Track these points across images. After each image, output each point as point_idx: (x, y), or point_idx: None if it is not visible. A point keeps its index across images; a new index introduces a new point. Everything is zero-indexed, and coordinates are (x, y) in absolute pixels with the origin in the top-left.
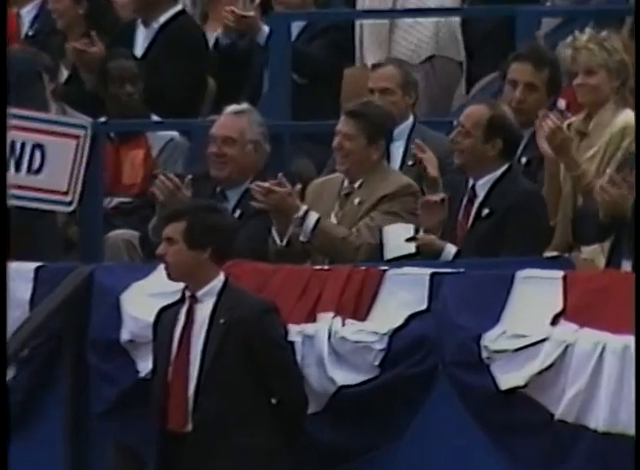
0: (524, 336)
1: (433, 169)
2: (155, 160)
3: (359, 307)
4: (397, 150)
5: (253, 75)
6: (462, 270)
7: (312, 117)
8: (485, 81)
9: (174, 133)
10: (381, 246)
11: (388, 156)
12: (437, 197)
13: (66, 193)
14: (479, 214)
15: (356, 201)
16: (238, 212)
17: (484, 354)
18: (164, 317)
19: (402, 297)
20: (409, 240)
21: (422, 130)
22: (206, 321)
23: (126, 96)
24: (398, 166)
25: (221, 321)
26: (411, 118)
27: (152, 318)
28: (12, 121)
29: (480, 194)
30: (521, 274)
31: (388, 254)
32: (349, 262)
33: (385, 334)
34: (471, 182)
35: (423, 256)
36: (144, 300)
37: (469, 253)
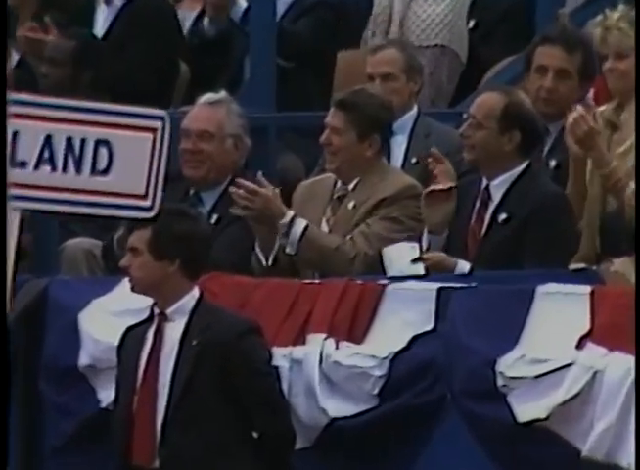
0: (545, 361)
1: (446, 184)
2: None
3: (355, 328)
4: (399, 146)
5: (233, 60)
6: (474, 285)
7: (301, 107)
8: (501, 66)
9: None
10: (382, 269)
11: (388, 153)
12: (444, 185)
13: (143, 196)
14: (494, 220)
15: (351, 205)
16: (215, 218)
17: (500, 382)
18: (130, 339)
19: (405, 315)
20: (415, 261)
21: (427, 123)
22: (177, 343)
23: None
24: (400, 164)
25: (194, 343)
26: (415, 109)
27: (115, 340)
28: (61, 114)
29: (496, 196)
30: (542, 289)
31: (390, 273)
32: (343, 275)
33: (384, 358)
34: (484, 183)
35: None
36: (106, 319)
37: (482, 264)
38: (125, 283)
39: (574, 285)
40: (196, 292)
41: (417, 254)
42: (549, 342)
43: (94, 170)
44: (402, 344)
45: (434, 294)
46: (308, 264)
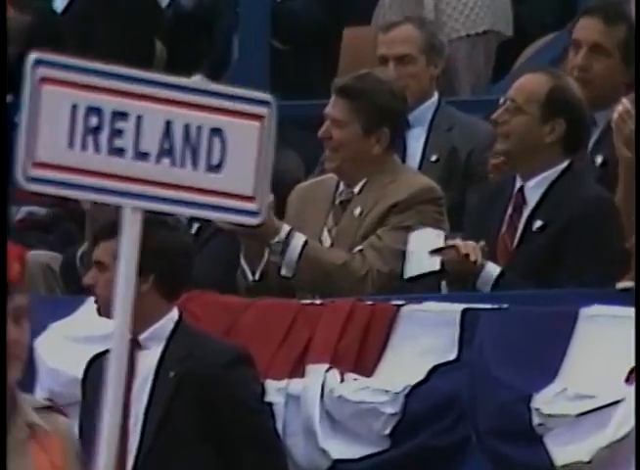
0: (590, 397)
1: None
2: None
3: (364, 357)
4: (416, 140)
5: (218, 39)
6: (505, 306)
7: (299, 95)
8: (542, 43)
9: None
10: (403, 259)
11: (403, 149)
12: (471, 248)
13: (251, 198)
14: (528, 228)
15: (356, 211)
16: (195, 227)
17: (536, 420)
18: (96, 370)
19: (423, 342)
20: (435, 252)
21: (450, 113)
22: (152, 374)
23: None
24: (417, 163)
25: (172, 374)
26: (435, 97)
27: (78, 371)
28: (180, 95)
29: (532, 200)
30: (586, 312)
31: (409, 270)
32: (350, 295)
33: (398, 393)
34: (518, 183)
35: (452, 277)
36: (67, 346)
37: (514, 273)
38: (90, 304)
39: (624, 307)
40: (174, 314)
41: (440, 243)
42: (594, 374)
43: (209, 165)
44: (420, 376)
45: (458, 317)
46: (309, 287)
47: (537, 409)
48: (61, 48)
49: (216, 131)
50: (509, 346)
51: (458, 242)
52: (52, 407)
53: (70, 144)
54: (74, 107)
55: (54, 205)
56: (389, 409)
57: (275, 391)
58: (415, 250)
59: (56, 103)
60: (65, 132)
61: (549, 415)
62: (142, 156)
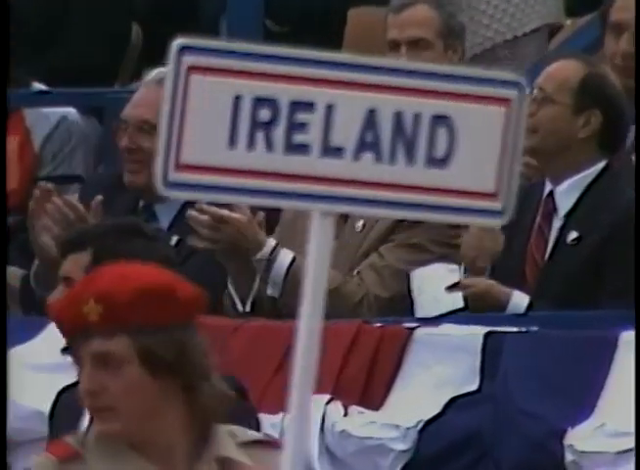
0: (631, 433)
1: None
2: (36, 152)
3: (371, 387)
4: None
5: (203, 20)
6: (534, 329)
7: None
8: (578, 27)
9: (69, 110)
10: (410, 301)
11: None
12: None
13: (493, 195)
14: (561, 239)
15: (358, 224)
16: (174, 240)
17: (570, 457)
18: (65, 404)
19: (440, 370)
20: (452, 288)
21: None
22: None
23: None
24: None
25: None
26: None
27: (44, 405)
28: (383, 78)
29: (564, 207)
30: (628, 336)
31: (421, 313)
32: (352, 317)
33: (410, 428)
34: (548, 188)
35: (475, 311)
36: (27, 375)
37: (545, 300)
38: (54, 327)
39: None
40: None
41: (456, 278)
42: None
43: (430, 159)
44: (435, 409)
45: (480, 341)
46: (291, 310)
47: (571, 446)
48: (26, 29)
49: (440, 119)
50: (538, 375)
51: (476, 280)
52: (264, 441)
53: (232, 142)
54: (237, 98)
55: (13, 209)
56: (400, 446)
57: (269, 425)
58: (426, 289)
59: (212, 95)
60: (225, 129)
61: (584, 452)
62: (333, 151)
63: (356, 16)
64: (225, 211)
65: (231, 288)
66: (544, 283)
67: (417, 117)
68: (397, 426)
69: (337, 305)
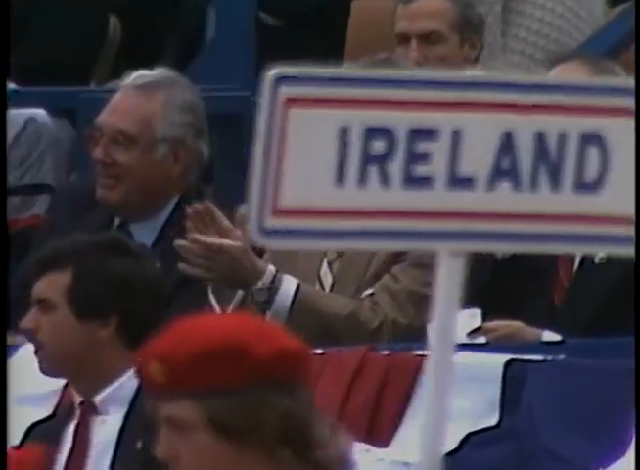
0: None
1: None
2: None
3: (379, 422)
4: None
5: (188, 12)
6: (561, 357)
7: None
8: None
9: (37, 110)
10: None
11: None
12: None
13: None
14: (587, 259)
15: None
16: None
17: None
18: (36, 441)
19: (455, 403)
20: (474, 333)
21: None
22: (112, 446)
23: None
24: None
25: (138, 445)
26: None
27: (10, 439)
28: (500, 96)
29: None
30: None
31: None
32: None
33: None
34: None
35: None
36: None
37: (572, 327)
38: (25, 354)
39: None
40: None
41: (478, 322)
42: None
43: (579, 184)
44: (450, 445)
45: (501, 371)
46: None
47: None
48: None
49: (590, 138)
50: (566, 409)
51: (500, 323)
52: None
53: (339, 180)
54: (344, 131)
55: None
56: None
57: None
58: None
59: (314, 129)
60: (330, 166)
61: None
62: (462, 183)
63: (361, 7)
64: (219, 240)
65: (211, 297)
66: (570, 306)
67: (562, 138)
68: (407, 464)
69: (353, 333)
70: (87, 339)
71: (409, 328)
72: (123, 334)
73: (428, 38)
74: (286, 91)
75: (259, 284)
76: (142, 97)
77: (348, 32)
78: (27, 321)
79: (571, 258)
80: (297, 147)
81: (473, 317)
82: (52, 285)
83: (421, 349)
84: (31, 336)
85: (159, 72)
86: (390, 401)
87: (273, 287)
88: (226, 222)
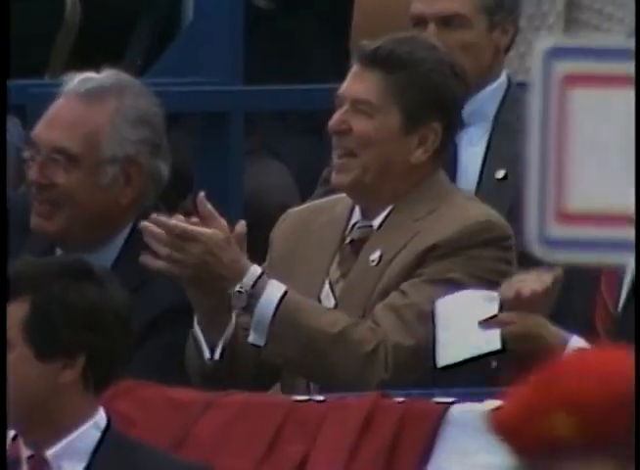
0: None
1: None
2: None
3: None
4: (473, 146)
5: None
6: None
7: (289, 78)
8: None
9: None
10: (433, 340)
11: (454, 159)
12: (541, 283)
13: None
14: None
15: (374, 256)
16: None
17: None
18: None
19: (484, 460)
20: (488, 322)
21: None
22: None
23: None
24: (477, 179)
25: None
26: (503, 78)
27: None
28: None
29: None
30: None
31: (446, 355)
32: (358, 387)
33: None
34: None
35: (517, 356)
36: None
37: None
38: None
39: None
40: (101, 416)
41: (495, 309)
42: None
43: None
44: None
45: None
46: (288, 364)
47: None
48: None
49: None
50: None
51: (520, 315)
52: None
53: None
54: None
55: None
56: None
57: None
58: (455, 322)
59: (603, 112)
60: (624, 158)
61: None
62: None
63: None
64: (191, 226)
65: (197, 329)
66: (618, 335)
67: None
68: None
69: (341, 355)
70: (48, 382)
71: (415, 352)
72: (89, 375)
73: (448, 22)
74: (562, 67)
75: (238, 286)
76: (87, 107)
77: (354, 16)
78: None
79: (618, 278)
80: (581, 137)
81: (490, 301)
82: (9, 319)
83: (443, 395)
84: None
85: (107, 75)
86: (406, 458)
87: (255, 290)
88: (208, 207)
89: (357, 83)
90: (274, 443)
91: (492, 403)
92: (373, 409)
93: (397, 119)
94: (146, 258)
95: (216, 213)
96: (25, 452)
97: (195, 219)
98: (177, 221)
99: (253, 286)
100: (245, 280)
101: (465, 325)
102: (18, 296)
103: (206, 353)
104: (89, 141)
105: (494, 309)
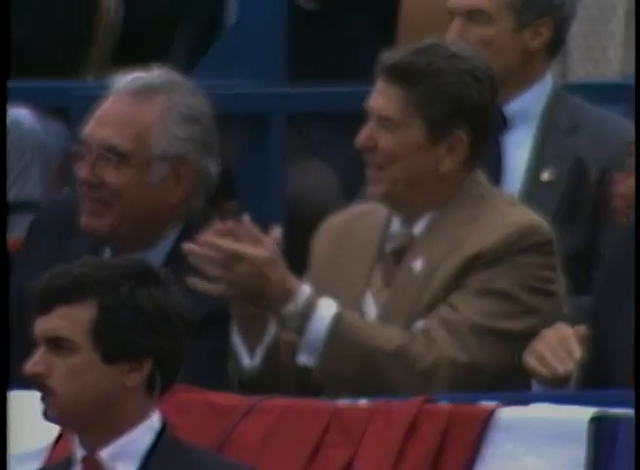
0: None
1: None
2: None
3: None
4: (518, 148)
5: None
6: None
7: (335, 79)
8: None
9: (21, 111)
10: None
11: (498, 161)
12: (572, 358)
13: None
14: None
15: (417, 265)
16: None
17: None
18: None
19: (530, 464)
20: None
21: (574, 106)
22: None
23: None
24: (520, 184)
25: None
26: (548, 78)
27: None
28: None
29: None
30: None
31: None
32: (420, 389)
33: None
34: None
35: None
36: None
37: None
38: (24, 401)
39: None
40: (155, 419)
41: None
42: None
43: None
44: None
45: (586, 427)
46: (342, 382)
47: None
48: None
49: None
50: None
51: (541, 347)
52: None
53: None
54: None
55: None
56: None
57: None
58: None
59: None
60: None
61: None
62: None
63: None
64: (241, 246)
65: (236, 335)
66: None
67: None
68: None
69: (399, 372)
70: (114, 386)
71: (470, 369)
72: (155, 378)
73: (472, 17)
74: None
75: (290, 306)
76: (137, 105)
77: (401, 17)
78: (35, 364)
79: None
80: None
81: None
82: (70, 321)
83: (489, 399)
84: (39, 381)
85: (157, 74)
86: (452, 463)
87: (306, 312)
88: (255, 229)
89: (380, 99)
90: (318, 448)
91: (538, 407)
92: (418, 414)
93: (421, 132)
94: (193, 281)
95: (261, 233)
96: (80, 452)
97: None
98: (224, 242)
99: (305, 307)
100: (297, 301)
101: None
102: (83, 298)
103: (245, 358)
104: (139, 139)
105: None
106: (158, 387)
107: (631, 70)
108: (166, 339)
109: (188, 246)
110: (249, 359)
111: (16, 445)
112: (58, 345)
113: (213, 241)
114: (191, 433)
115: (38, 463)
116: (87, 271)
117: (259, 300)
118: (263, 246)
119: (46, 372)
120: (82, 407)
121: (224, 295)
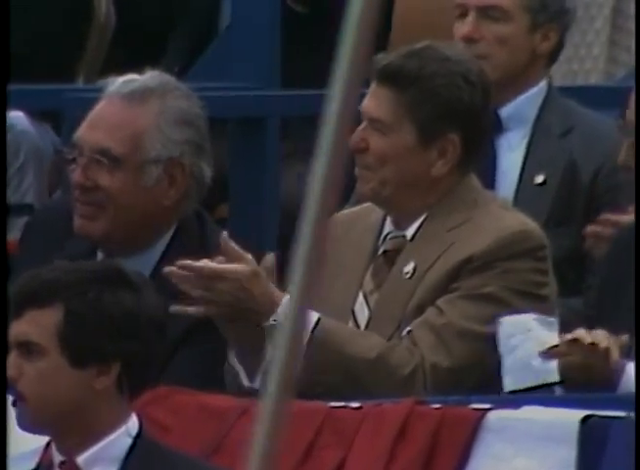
0: None
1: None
2: None
3: None
4: (512, 151)
5: None
6: None
7: (326, 83)
8: None
9: (16, 114)
10: (498, 363)
11: (493, 164)
12: (615, 350)
13: None
14: None
15: (408, 268)
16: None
17: None
18: None
19: (521, 465)
20: (547, 354)
21: (566, 109)
22: None
23: None
24: (514, 186)
25: None
26: (543, 83)
27: None
28: None
29: None
30: None
31: (509, 380)
32: (402, 394)
33: None
34: None
35: (575, 386)
36: None
37: None
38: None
39: None
40: (133, 423)
41: (555, 339)
42: None
43: None
44: None
45: (576, 429)
46: (328, 391)
47: None
48: None
49: None
50: None
51: (581, 333)
52: None
53: None
54: None
55: None
56: None
57: None
58: (515, 346)
59: None
60: None
61: None
62: None
63: None
64: (219, 265)
65: (232, 358)
66: None
67: None
68: None
69: (379, 380)
70: (83, 389)
71: (453, 374)
72: (124, 381)
73: (488, 13)
74: None
75: (272, 318)
76: (130, 108)
77: (394, 16)
78: (8, 368)
79: None
80: None
81: (548, 327)
82: (38, 325)
83: (480, 401)
84: (10, 385)
85: (150, 77)
86: (443, 464)
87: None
88: (232, 245)
89: (372, 101)
90: (310, 448)
91: (529, 409)
92: (409, 416)
93: (412, 135)
94: (176, 308)
95: (241, 250)
96: (58, 458)
97: (220, 258)
98: (203, 263)
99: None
100: (279, 311)
101: (526, 352)
102: (51, 302)
103: (245, 381)
104: (133, 142)
105: (554, 339)
106: (126, 390)
107: (616, 68)
108: (135, 342)
109: (168, 269)
110: (249, 382)
111: (15, 445)
112: (28, 349)
113: (191, 264)
114: (185, 435)
115: (34, 464)
116: (56, 275)
117: (245, 315)
118: (244, 260)
119: (17, 377)
120: (52, 411)
121: (208, 315)
